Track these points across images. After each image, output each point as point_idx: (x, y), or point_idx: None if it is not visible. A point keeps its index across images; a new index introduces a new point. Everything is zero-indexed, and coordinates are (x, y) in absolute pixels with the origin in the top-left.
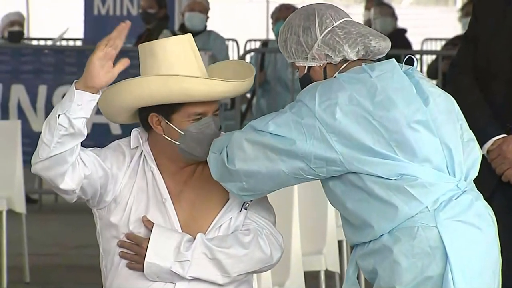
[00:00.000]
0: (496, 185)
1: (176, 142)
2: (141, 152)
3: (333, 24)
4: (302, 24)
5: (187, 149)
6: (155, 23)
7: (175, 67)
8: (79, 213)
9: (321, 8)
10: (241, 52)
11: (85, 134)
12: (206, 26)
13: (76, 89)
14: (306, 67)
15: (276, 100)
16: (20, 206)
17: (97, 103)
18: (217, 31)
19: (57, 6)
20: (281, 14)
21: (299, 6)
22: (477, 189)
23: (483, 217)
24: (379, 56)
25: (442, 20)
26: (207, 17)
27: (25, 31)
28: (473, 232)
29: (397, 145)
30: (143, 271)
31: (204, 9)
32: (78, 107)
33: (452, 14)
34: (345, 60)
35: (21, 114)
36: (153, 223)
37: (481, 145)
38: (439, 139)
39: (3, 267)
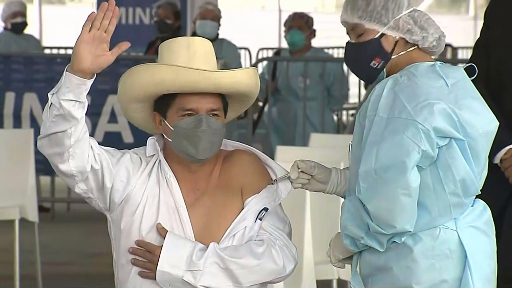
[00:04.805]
0: (509, 196)
1: (169, 140)
2: (156, 160)
3: (413, 7)
4: None
5: (179, 146)
6: (169, 33)
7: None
8: (91, 221)
9: None
10: (253, 61)
11: (78, 118)
12: (218, 34)
13: (66, 71)
14: (380, 33)
15: (288, 109)
16: (33, 215)
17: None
18: (229, 40)
19: (70, 14)
20: (294, 23)
21: (312, 15)
22: (489, 200)
23: (490, 225)
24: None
25: (453, 28)
26: (219, 25)
27: (41, 42)
28: (484, 239)
29: (472, 153)
30: (155, 279)
31: (216, 17)
32: (66, 89)
33: (464, 22)
34: (414, 44)
35: (34, 122)
36: (167, 231)
37: (494, 154)
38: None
39: (15, 276)
